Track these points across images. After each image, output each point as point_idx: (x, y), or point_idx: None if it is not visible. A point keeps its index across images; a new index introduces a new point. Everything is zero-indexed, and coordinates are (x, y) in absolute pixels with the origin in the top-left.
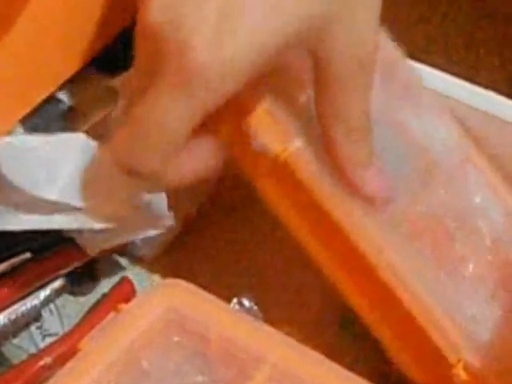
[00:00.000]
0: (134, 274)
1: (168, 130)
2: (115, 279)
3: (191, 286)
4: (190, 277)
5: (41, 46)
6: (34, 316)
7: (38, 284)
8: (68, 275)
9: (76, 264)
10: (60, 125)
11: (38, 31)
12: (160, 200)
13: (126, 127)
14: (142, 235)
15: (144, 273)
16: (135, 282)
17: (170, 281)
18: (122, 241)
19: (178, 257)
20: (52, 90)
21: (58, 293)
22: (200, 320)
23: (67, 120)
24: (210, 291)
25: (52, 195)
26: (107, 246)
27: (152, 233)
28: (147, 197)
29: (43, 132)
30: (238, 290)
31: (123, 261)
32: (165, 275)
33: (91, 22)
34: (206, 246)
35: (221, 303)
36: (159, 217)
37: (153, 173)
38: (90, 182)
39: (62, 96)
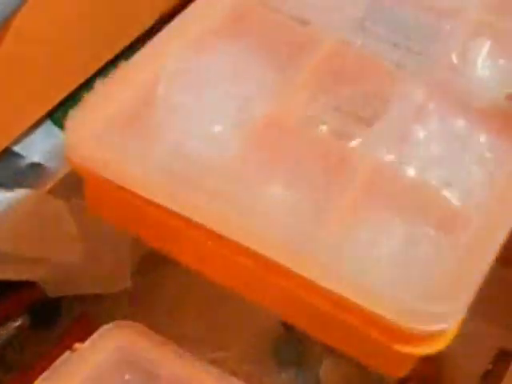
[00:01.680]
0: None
1: None
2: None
3: (141, 327)
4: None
5: None
6: None
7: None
8: (31, 310)
9: (38, 302)
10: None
11: None
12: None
13: None
14: (99, 290)
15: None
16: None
17: (122, 322)
18: (81, 291)
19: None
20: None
21: (20, 329)
22: (150, 358)
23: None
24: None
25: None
26: (68, 293)
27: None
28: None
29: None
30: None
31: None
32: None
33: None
34: (162, 284)
35: (169, 342)
36: (118, 277)
37: None
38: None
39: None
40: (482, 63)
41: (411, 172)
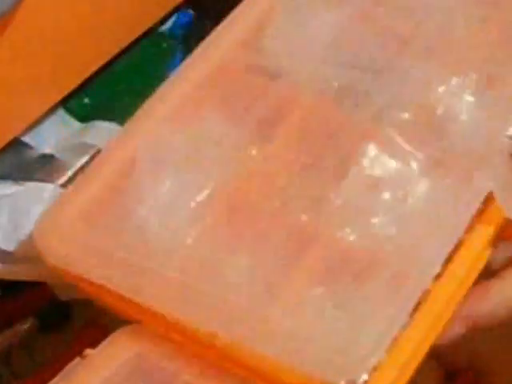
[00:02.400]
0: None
1: None
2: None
3: (158, 332)
4: None
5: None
6: (4, 356)
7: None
8: (39, 313)
9: (47, 303)
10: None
11: None
12: None
13: None
14: None
15: None
16: None
17: (137, 326)
18: None
19: None
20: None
21: (28, 332)
22: (166, 367)
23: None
24: None
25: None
26: (79, 296)
27: None
28: None
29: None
30: None
31: None
32: None
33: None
34: None
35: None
36: None
37: None
38: None
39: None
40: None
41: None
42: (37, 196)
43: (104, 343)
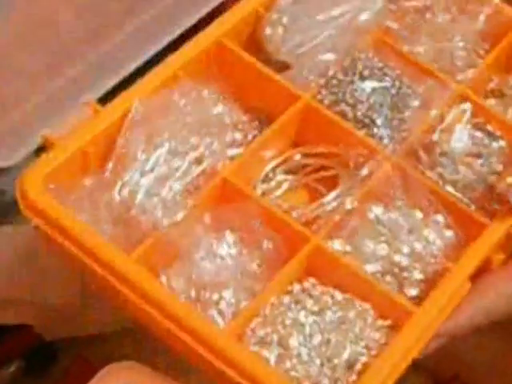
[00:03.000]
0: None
1: None
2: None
3: (145, 368)
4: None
5: None
6: None
7: None
8: (25, 355)
9: (33, 346)
10: None
11: None
12: None
13: None
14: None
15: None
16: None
17: (124, 363)
18: (81, 333)
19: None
20: None
21: (14, 375)
22: None
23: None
24: None
25: None
26: (66, 335)
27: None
28: None
29: None
30: None
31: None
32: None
33: None
34: None
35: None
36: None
37: None
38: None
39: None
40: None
41: None
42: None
43: (92, 381)
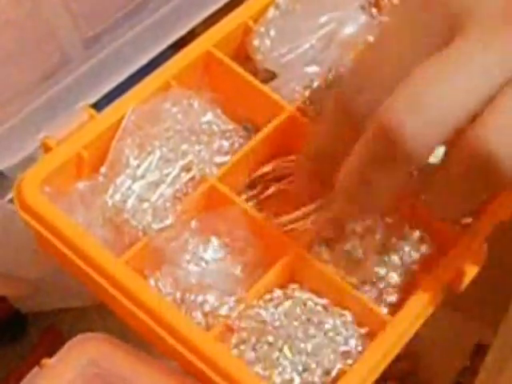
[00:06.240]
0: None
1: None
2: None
3: (113, 339)
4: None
5: None
6: None
7: None
8: None
9: (1, 316)
10: None
11: None
12: None
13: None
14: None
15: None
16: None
17: (92, 334)
18: (52, 306)
19: None
20: None
21: None
22: (124, 372)
23: None
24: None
25: None
26: (39, 308)
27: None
28: None
29: None
30: None
31: None
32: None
33: None
34: None
35: (144, 355)
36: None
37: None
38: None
39: None
40: None
41: None
42: None
43: (61, 351)
